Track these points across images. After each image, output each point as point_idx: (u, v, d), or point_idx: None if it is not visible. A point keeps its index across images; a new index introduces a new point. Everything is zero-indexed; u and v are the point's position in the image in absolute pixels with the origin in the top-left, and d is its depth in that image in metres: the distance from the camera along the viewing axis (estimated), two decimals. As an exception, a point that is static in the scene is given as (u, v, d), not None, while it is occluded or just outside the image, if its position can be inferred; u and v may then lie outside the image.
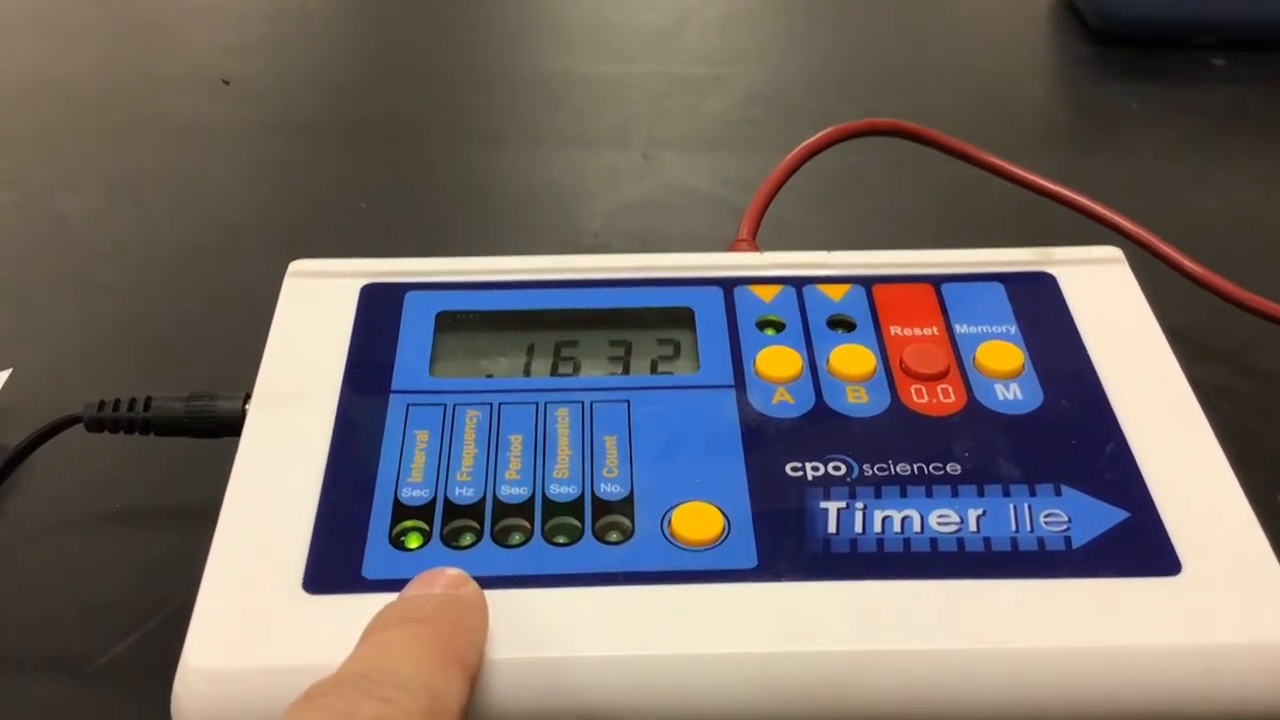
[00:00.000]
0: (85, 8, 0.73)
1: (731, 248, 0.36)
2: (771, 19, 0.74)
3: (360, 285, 0.33)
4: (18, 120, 0.59)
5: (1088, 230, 0.41)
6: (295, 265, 0.33)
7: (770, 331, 0.32)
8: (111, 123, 0.58)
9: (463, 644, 0.23)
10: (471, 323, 0.32)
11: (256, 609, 0.25)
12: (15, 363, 0.39)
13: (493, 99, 0.62)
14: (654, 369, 0.31)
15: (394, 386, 0.30)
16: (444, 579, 0.25)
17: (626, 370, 0.31)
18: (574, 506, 0.27)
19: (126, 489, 0.34)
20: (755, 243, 0.37)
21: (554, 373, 0.31)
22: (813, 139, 0.40)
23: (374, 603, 0.24)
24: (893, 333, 0.31)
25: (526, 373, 0.31)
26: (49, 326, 0.43)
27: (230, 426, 0.31)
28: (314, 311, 0.32)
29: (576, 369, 0.31)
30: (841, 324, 0.32)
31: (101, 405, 0.32)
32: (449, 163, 0.55)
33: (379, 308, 0.32)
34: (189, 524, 0.32)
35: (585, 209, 0.52)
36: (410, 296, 0.32)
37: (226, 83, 0.63)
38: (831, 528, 0.26)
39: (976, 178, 0.46)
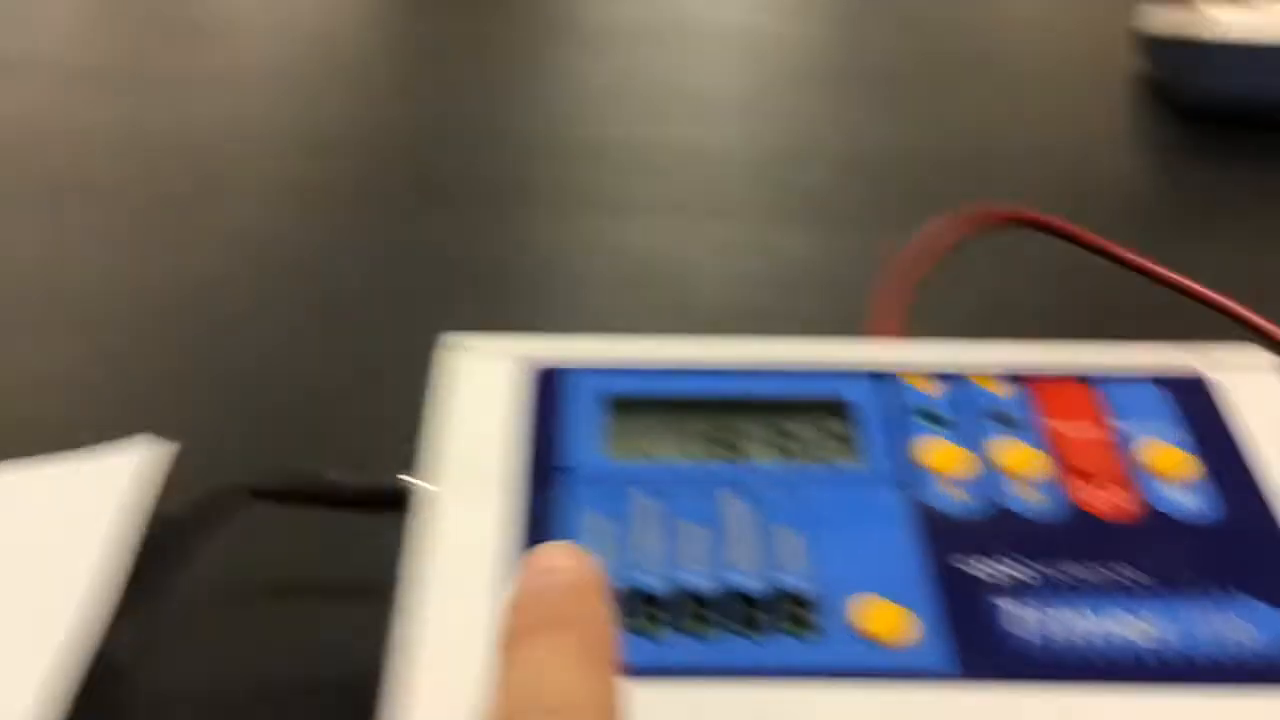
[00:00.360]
0: (182, 60, 0.75)
1: (873, 331, 0.37)
2: (854, 91, 0.75)
3: (522, 364, 0.33)
4: (131, 178, 0.60)
5: (1214, 322, 0.41)
6: (449, 340, 0.34)
7: (931, 424, 0.32)
8: (221, 183, 0.59)
9: (607, 640, 0.23)
10: (637, 406, 0.32)
11: (454, 700, 0.25)
12: (159, 430, 0.39)
13: (594, 166, 0.63)
14: (819, 459, 0.31)
15: (566, 468, 0.30)
16: (563, 561, 0.24)
17: (789, 457, 0.31)
18: (757, 599, 0.27)
19: (296, 563, 0.34)
20: (899, 327, 0.37)
21: (721, 459, 0.31)
22: (948, 229, 0.40)
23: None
24: (1057, 431, 0.31)
25: (694, 458, 0.31)
26: (185, 393, 0.43)
27: (394, 502, 0.31)
28: (474, 389, 0.32)
29: (744, 455, 0.31)
30: (1004, 419, 0.32)
31: (271, 478, 0.32)
32: (547, 233, 0.56)
33: (542, 388, 0.32)
34: (361, 601, 0.33)
35: (694, 283, 0.52)
36: (572, 376, 0.33)
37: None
38: (1026, 631, 0.27)
39: (1087, 262, 0.46)
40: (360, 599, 0.32)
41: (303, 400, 0.42)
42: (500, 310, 0.49)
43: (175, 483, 0.36)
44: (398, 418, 0.35)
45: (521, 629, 0.23)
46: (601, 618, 0.23)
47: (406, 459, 0.32)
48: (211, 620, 0.33)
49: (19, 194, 0.58)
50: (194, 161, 0.62)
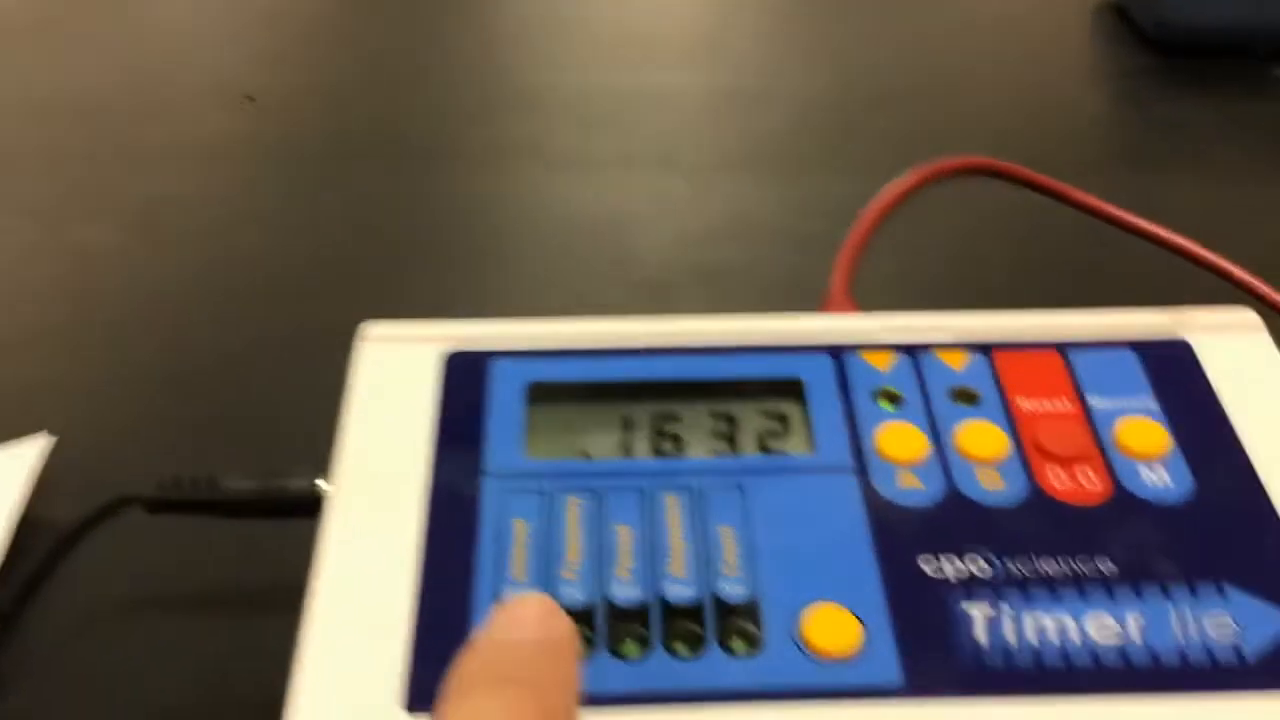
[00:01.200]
0: (97, 18, 0.70)
1: (827, 305, 0.34)
2: (807, 31, 0.71)
3: (441, 352, 0.30)
4: (30, 141, 0.56)
5: (1185, 269, 0.39)
6: (368, 329, 0.31)
7: (887, 405, 0.29)
8: (130, 143, 0.56)
9: (564, 706, 0.21)
10: (564, 395, 0.29)
11: (355, 734, 0.23)
12: (50, 424, 0.36)
13: (529, 116, 0.59)
14: (764, 447, 0.29)
15: (486, 469, 0.28)
16: (533, 615, 0.22)
17: (734, 447, 0.29)
18: (694, 611, 0.25)
19: (185, 572, 0.32)
20: (853, 299, 0.34)
21: (656, 452, 0.29)
22: (901, 183, 0.37)
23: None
24: (1022, 407, 0.29)
25: (627, 450, 0.29)
26: (80, 381, 0.40)
27: (303, 507, 0.29)
28: (393, 380, 0.30)
29: (680, 446, 0.29)
30: (965, 396, 0.29)
31: (162, 485, 0.29)
32: (485, 186, 0.53)
33: (464, 378, 0.30)
34: (255, 613, 0.30)
35: (639, 240, 0.49)
36: (497, 365, 0.30)
37: (251, 99, 0.60)
38: (982, 638, 0.24)
39: (1047, 210, 0.43)
40: (262, 612, 0.29)
41: (213, 387, 0.39)
42: (429, 279, 0.46)
43: (62, 485, 0.33)
44: (312, 406, 0.32)
45: (477, 679, 0.20)
46: (568, 686, 0.21)
47: (319, 457, 0.29)
48: (90, 637, 0.30)
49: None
50: (101, 123, 0.58)
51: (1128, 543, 0.26)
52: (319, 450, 0.29)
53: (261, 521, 0.29)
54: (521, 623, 0.22)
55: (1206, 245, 0.36)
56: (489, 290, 0.45)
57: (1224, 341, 0.30)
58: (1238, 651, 0.24)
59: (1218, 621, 0.24)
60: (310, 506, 0.28)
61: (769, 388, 0.30)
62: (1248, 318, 0.31)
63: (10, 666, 0.29)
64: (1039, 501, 0.27)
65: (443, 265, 0.47)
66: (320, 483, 0.28)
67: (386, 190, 0.52)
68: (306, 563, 0.26)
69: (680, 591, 0.25)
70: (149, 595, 0.31)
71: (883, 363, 0.30)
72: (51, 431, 0.35)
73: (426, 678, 0.23)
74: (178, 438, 0.36)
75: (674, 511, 0.27)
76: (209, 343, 0.42)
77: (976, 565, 0.25)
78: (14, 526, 0.32)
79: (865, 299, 0.40)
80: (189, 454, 0.31)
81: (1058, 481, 0.27)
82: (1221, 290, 0.41)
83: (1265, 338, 0.30)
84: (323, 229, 0.49)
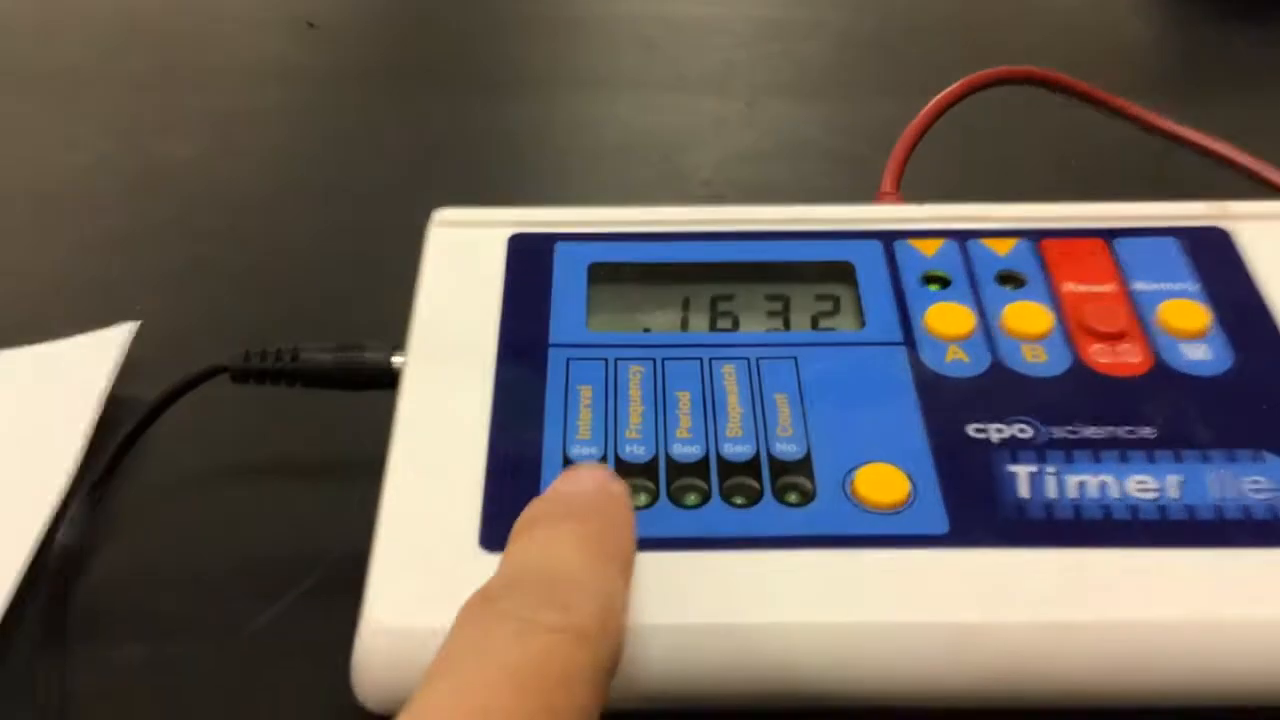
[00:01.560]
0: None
1: (877, 200, 0.35)
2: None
3: (507, 235, 0.32)
4: (100, 65, 0.58)
5: (1226, 180, 0.39)
6: (440, 214, 0.32)
7: (935, 287, 0.30)
8: (197, 66, 0.57)
9: (623, 542, 0.23)
10: (625, 275, 0.31)
11: (436, 567, 0.24)
12: (135, 314, 0.38)
13: (587, 42, 0.60)
14: (815, 325, 0.30)
15: (552, 340, 0.29)
16: (592, 474, 0.24)
17: (787, 325, 0.30)
18: (750, 466, 0.26)
19: (269, 442, 0.33)
20: (901, 195, 0.35)
21: (713, 327, 0.30)
22: (949, 90, 0.38)
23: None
24: (1066, 289, 0.30)
25: (685, 327, 0.30)
26: (162, 276, 0.42)
27: (379, 379, 0.30)
28: (463, 262, 0.31)
29: (736, 324, 0.30)
30: (1011, 279, 0.30)
31: (248, 356, 0.31)
32: (546, 108, 0.54)
33: (530, 259, 0.31)
34: (335, 478, 0.32)
35: (693, 158, 0.50)
36: (561, 247, 0.31)
37: (312, 25, 0.62)
38: (1025, 492, 0.25)
39: (1096, 122, 0.44)
40: (344, 477, 0.31)
41: (287, 280, 0.41)
42: (490, 192, 0.47)
43: (150, 365, 0.35)
44: (384, 295, 0.34)
45: (540, 517, 0.23)
46: (623, 524, 0.23)
47: (394, 336, 0.31)
48: (184, 500, 0.32)
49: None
50: (171, 44, 0.60)
51: (1168, 411, 0.27)
52: (392, 334, 0.31)
53: (339, 394, 0.31)
54: (580, 479, 0.24)
55: (1250, 154, 0.37)
56: (547, 202, 0.47)
57: (1262, 229, 0.31)
58: (1273, 510, 0.25)
59: (1254, 482, 0.25)
60: (386, 378, 0.30)
61: (821, 270, 0.31)
62: (1285, 208, 0.32)
63: (105, 524, 0.31)
64: (1082, 373, 0.28)
65: (503, 181, 0.49)
66: (396, 356, 0.30)
67: (448, 110, 0.53)
68: (383, 434, 0.28)
69: (737, 450, 0.26)
70: (234, 462, 0.33)
71: (931, 249, 0.31)
72: (132, 319, 0.37)
73: (500, 521, 0.25)
74: (255, 326, 0.38)
75: (730, 379, 0.28)
76: (283, 240, 0.43)
77: (1020, 429, 0.27)
78: (102, 403, 0.34)
79: (913, 198, 0.41)
80: (265, 341, 0.32)
81: (1101, 356, 0.28)
82: (1263, 194, 0.41)
83: (1303, 226, 0.31)
84: (387, 143, 0.51)
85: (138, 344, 0.36)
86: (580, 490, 0.24)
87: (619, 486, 0.24)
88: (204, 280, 0.41)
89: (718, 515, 0.25)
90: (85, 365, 0.36)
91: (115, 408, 0.34)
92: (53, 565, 0.29)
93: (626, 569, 0.23)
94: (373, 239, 0.43)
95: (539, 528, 0.22)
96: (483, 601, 0.20)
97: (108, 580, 0.29)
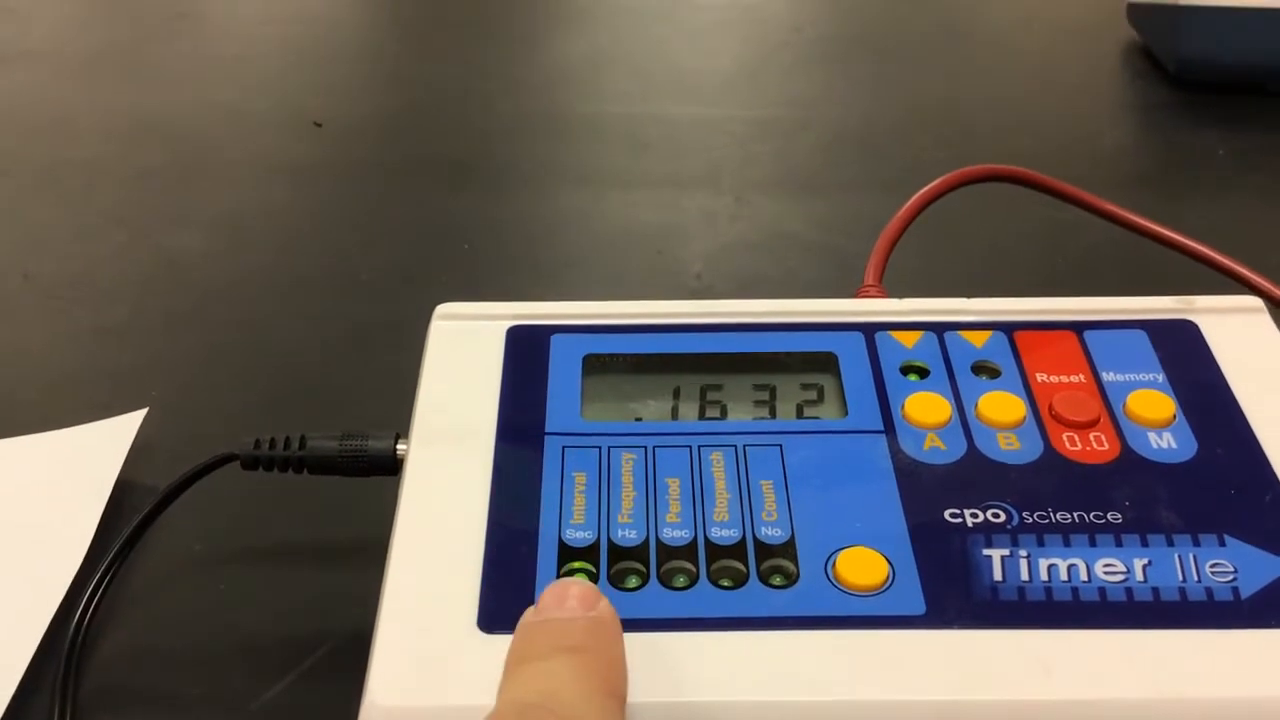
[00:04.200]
0: (170, 50, 0.75)
1: (859, 293, 0.37)
2: (845, 64, 0.75)
3: (506, 327, 0.33)
4: (118, 159, 0.60)
5: (1197, 276, 0.41)
6: (442, 308, 0.34)
7: (914, 377, 0.32)
8: (209, 162, 0.60)
9: (617, 675, 0.24)
10: (618, 365, 0.32)
11: (436, 648, 0.25)
12: (145, 401, 0.39)
13: (579, 142, 0.63)
14: (800, 413, 0.31)
15: (548, 429, 0.30)
16: (581, 596, 0.24)
17: (773, 414, 0.31)
18: (737, 550, 0.27)
19: (274, 526, 0.35)
20: (883, 288, 0.37)
21: (702, 416, 0.31)
22: (933, 185, 0.40)
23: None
24: (1039, 379, 0.31)
25: (675, 416, 0.31)
26: (171, 364, 0.43)
27: (382, 466, 0.31)
28: (464, 353, 0.33)
29: (724, 412, 0.32)
30: (986, 370, 0.32)
31: (257, 444, 0.32)
32: (543, 204, 0.56)
33: (527, 350, 0.32)
34: (338, 562, 0.33)
35: (684, 251, 0.52)
36: (557, 339, 0.33)
37: (318, 125, 0.64)
38: (998, 575, 0.26)
39: (1074, 221, 0.46)
40: (346, 560, 0.32)
41: (293, 369, 0.43)
42: (489, 284, 0.49)
43: (159, 449, 0.37)
44: (387, 385, 0.35)
45: (540, 649, 0.23)
46: (618, 656, 0.24)
47: (397, 424, 0.32)
48: (192, 582, 0.33)
49: (4, 174, 0.58)
50: (184, 142, 0.62)
51: (1135, 497, 0.28)
52: (394, 422, 0.32)
53: (344, 480, 0.32)
54: (568, 602, 0.24)
55: (1219, 251, 0.39)
56: (544, 294, 0.49)
57: (1228, 322, 0.33)
58: (1234, 592, 0.26)
59: (1216, 565, 0.27)
60: (389, 465, 0.31)
61: (806, 361, 0.32)
62: (1250, 301, 0.33)
63: (116, 604, 0.32)
64: (1054, 460, 0.29)
65: (501, 273, 0.50)
66: (399, 444, 0.31)
67: (450, 206, 0.56)
68: (385, 519, 0.29)
69: (724, 534, 0.28)
70: (241, 544, 0.34)
71: (910, 340, 0.33)
72: (143, 407, 0.38)
73: (498, 603, 0.26)
74: (261, 414, 0.39)
75: (718, 466, 0.29)
76: (289, 330, 0.45)
77: (994, 514, 0.28)
78: (112, 487, 0.35)
79: (895, 291, 0.43)
80: (271, 428, 0.34)
81: (1072, 444, 0.30)
82: (1233, 290, 0.43)
83: (1266, 319, 0.33)
84: (390, 237, 0.53)
85: (148, 428, 0.38)
86: (573, 619, 0.24)
87: (606, 610, 0.24)
88: (212, 369, 0.43)
89: (706, 597, 0.26)
90: (97, 451, 0.37)
91: (124, 491, 0.35)
92: (65, 644, 0.30)
93: (623, 704, 0.23)
94: (376, 331, 0.44)
95: (538, 662, 0.23)
96: None
97: (117, 658, 0.30)
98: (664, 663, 0.25)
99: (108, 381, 0.42)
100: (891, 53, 0.76)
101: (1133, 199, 0.56)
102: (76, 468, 0.37)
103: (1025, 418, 0.30)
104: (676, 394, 0.32)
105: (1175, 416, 0.30)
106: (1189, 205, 0.57)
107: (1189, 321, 0.33)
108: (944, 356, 0.32)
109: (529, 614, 0.24)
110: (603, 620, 0.24)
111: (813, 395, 0.32)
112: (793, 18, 0.83)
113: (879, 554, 0.27)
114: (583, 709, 0.22)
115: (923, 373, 0.32)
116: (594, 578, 0.27)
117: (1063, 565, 0.27)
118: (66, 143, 0.62)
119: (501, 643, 0.25)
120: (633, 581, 0.27)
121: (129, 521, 0.33)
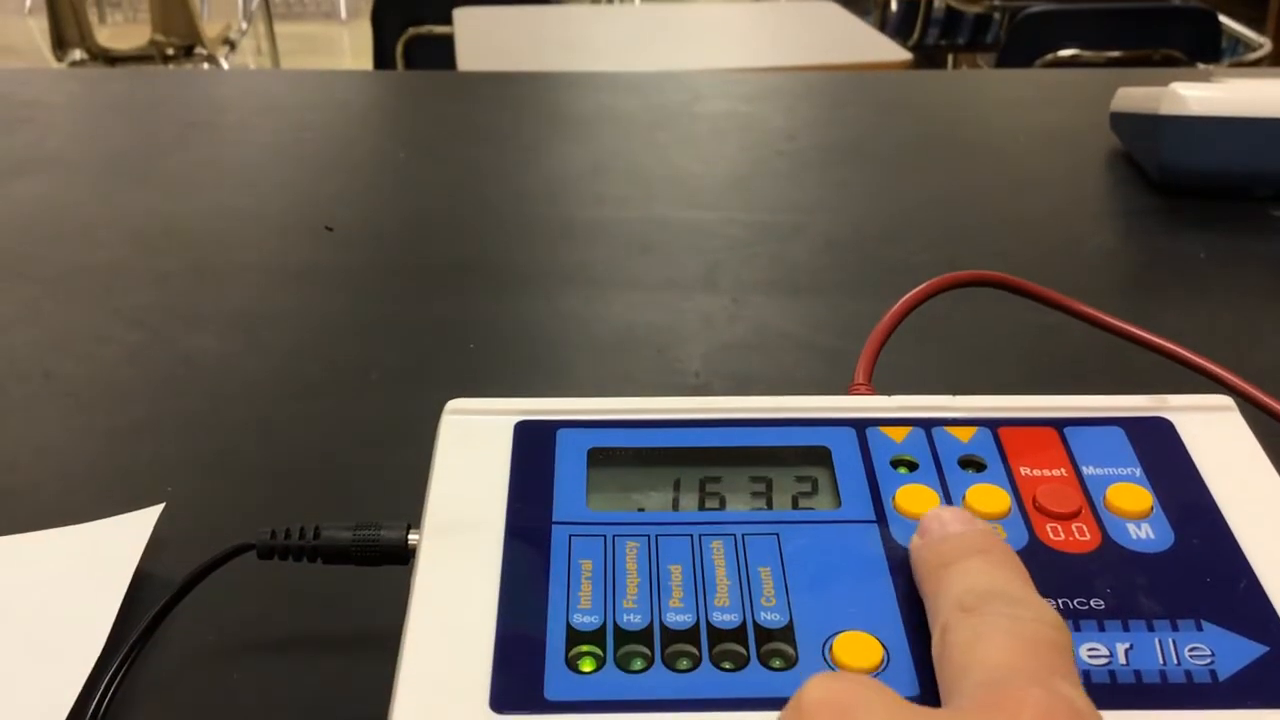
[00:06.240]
0: (187, 160, 0.78)
1: (851, 390, 0.38)
2: (837, 171, 0.78)
3: (513, 422, 0.35)
4: (135, 262, 0.62)
5: (1181, 378, 0.43)
6: (453, 404, 0.35)
7: (904, 470, 0.33)
8: (223, 265, 0.62)
9: (1023, 566, 0.28)
10: (622, 458, 0.34)
11: (449, 729, 0.26)
12: (163, 497, 0.41)
13: (581, 245, 0.65)
14: (796, 504, 0.33)
15: (555, 518, 0.32)
16: (956, 516, 0.29)
17: (770, 505, 0.33)
18: (738, 633, 0.29)
19: (289, 615, 0.36)
20: (873, 386, 0.39)
21: (702, 506, 0.33)
22: (921, 289, 0.42)
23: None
24: (1023, 473, 0.33)
25: (676, 506, 0.33)
26: (186, 462, 0.45)
27: (394, 555, 0.33)
28: (473, 446, 0.34)
29: (723, 503, 0.33)
30: (972, 464, 0.33)
31: (273, 534, 0.33)
32: (547, 305, 0.58)
33: (534, 444, 0.34)
34: (352, 649, 0.34)
35: (683, 350, 0.54)
36: (563, 434, 0.34)
37: (330, 229, 0.67)
38: (987, 658, 0.28)
39: (1056, 323, 0.48)
40: (361, 648, 0.33)
41: (305, 467, 0.44)
42: (495, 384, 0.51)
43: (174, 543, 0.38)
44: (399, 478, 0.37)
45: (956, 552, 0.28)
46: (1007, 547, 0.28)
47: (409, 515, 0.34)
48: (210, 670, 0.34)
49: (26, 277, 0.60)
50: (199, 247, 0.64)
51: (1116, 585, 0.30)
52: (406, 513, 0.33)
53: (357, 569, 0.33)
54: (947, 522, 0.29)
55: (1196, 352, 0.41)
56: (549, 391, 0.50)
57: (1201, 419, 0.34)
58: (1212, 674, 0.27)
59: (1195, 649, 0.28)
60: (401, 554, 0.33)
61: (801, 455, 0.34)
62: (1222, 400, 0.35)
63: (133, 694, 0.33)
64: (1037, 549, 0.31)
65: (507, 373, 0.52)
66: (411, 534, 0.33)
67: (457, 307, 0.58)
68: (397, 607, 0.30)
69: (725, 618, 0.29)
70: (256, 634, 0.35)
71: (900, 435, 0.34)
72: (160, 502, 0.40)
73: (509, 684, 0.27)
74: (273, 509, 0.41)
75: (719, 554, 0.31)
76: (303, 427, 0.46)
77: (983, 600, 0.29)
78: (128, 581, 0.36)
79: (884, 389, 0.44)
80: (285, 521, 0.35)
81: (1055, 534, 0.31)
82: (1208, 388, 0.45)
83: (1237, 417, 0.34)
84: (400, 337, 0.55)
85: (164, 523, 0.39)
86: (959, 531, 0.29)
87: (980, 520, 0.29)
88: (227, 467, 0.44)
89: (708, 679, 0.28)
90: (115, 545, 0.39)
91: (142, 583, 0.37)
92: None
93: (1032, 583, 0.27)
94: (388, 426, 0.46)
95: (960, 562, 0.27)
96: (962, 612, 0.26)
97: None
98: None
99: (125, 478, 0.44)
100: (881, 160, 0.79)
101: (1116, 301, 0.59)
102: (95, 561, 0.38)
103: (1010, 509, 0.32)
104: (677, 485, 0.33)
105: (1153, 508, 0.32)
106: (1171, 307, 0.59)
107: (1164, 419, 0.35)
108: (932, 451, 0.34)
109: (916, 540, 0.29)
110: (986, 528, 0.29)
111: (807, 487, 0.33)
112: (787, 126, 0.86)
113: (874, 638, 0.28)
114: (1019, 590, 0.26)
115: (912, 466, 0.33)
116: (600, 661, 0.28)
117: (1048, 649, 0.28)
118: (85, 247, 0.64)
119: (512, 723, 0.26)
120: (638, 664, 0.28)
121: (146, 613, 0.34)
